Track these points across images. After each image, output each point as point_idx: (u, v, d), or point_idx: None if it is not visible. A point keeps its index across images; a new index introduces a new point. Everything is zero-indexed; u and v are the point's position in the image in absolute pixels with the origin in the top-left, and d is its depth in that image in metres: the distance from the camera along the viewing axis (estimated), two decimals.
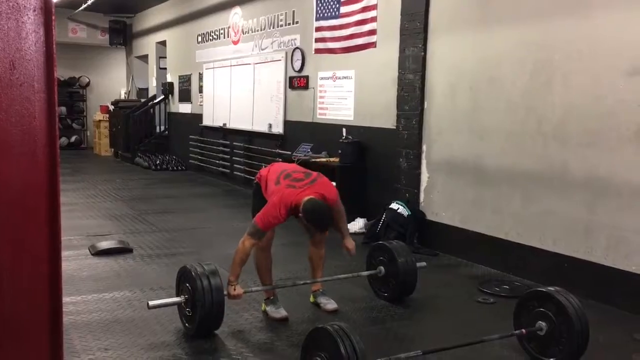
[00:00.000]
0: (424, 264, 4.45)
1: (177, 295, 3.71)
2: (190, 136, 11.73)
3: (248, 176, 9.57)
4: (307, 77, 7.97)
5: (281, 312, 3.91)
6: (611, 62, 4.25)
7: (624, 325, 3.95)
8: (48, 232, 1.62)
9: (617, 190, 4.24)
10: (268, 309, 3.96)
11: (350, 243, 4.06)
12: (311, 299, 4.24)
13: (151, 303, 3.55)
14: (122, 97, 16.04)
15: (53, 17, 1.56)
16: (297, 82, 8.18)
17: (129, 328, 3.70)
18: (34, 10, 1.53)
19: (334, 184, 3.97)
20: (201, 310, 3.45)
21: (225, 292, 3.59)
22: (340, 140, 6.91)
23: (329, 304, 4.12)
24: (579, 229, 4.50)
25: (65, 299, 3.88)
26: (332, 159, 7.13)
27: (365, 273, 4.39)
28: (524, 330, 3.31)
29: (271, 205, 3.63)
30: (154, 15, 13.88)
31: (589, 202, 4.43)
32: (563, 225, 4.62)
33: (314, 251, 4.14)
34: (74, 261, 5.11)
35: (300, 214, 3.59)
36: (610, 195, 4.29)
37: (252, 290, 3.93)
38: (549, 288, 3.35)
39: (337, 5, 7.14)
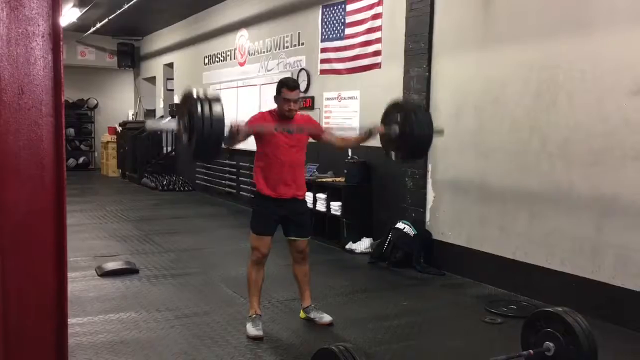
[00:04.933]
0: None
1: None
2: None
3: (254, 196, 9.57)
4: (312, 98, 8.02)
5: (256, 332, 3.90)
6: (615, 82, 4.26)
7: (632, 346, 3.92)
8: (54, 254, 1.63)
9: (623, 209, 4.22)
10: (247, 325, 3.97)
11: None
12: (301, 315, 4.28)
13: (149, 122, 3.43)
14: (130, 118, 16.16)
15: (61, 43, 1.59)
16: (303, 103, 8.22)
17: (135, 349, 3.69)
18: (43, 37, 1.57)
19: None
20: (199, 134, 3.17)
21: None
22: (346, 160, 6.93)
23: (324, 317, 4.17)
24: (586, 249, 4.48)
25: (72, 320, 3.90)
26: (338, 179, 7.14)
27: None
28: (531, 351, 3.26)
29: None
30: (162, 38, 14.05)
31: (595, 222, 4.41)
32: (570, 244, 4.60)
33: (297, 268, 4.22)
34: (80, 282, 5.13)
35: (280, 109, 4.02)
36: (617, 214, 4.27)
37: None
38: (557, 308, 3.32)
39: (342, 27, 7.21)
